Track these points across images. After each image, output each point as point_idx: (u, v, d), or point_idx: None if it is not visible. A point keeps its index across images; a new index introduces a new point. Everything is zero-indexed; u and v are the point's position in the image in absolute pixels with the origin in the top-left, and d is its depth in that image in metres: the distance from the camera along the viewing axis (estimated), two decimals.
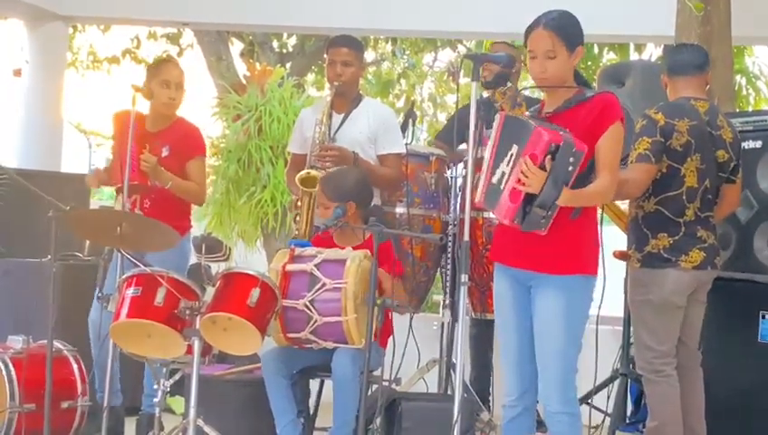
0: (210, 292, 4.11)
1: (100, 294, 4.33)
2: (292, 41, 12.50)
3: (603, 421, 5.17)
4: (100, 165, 5.34)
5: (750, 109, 9.65)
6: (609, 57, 10.14)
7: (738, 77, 9.63)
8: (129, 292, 4.08)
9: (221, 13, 8.24)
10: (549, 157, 3.47)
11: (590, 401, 4.84)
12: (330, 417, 4.37)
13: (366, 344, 3.98)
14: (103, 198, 10.22)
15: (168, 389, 4.21)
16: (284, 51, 12.44)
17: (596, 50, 10.11)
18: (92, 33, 12.55)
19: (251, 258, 7.47)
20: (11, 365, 4.74)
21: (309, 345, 4.31)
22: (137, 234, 4.20)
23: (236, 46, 12.37)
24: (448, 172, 5.55)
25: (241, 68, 11.24)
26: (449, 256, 5.30)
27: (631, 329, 4.84)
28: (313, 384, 4.78)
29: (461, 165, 5.44)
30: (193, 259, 5.68)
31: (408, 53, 13.18)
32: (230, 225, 7.45)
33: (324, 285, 4.19)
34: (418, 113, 12.31)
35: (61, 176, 7.23)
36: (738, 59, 9.40)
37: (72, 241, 5.56)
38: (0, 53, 10.97)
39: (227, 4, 8.09)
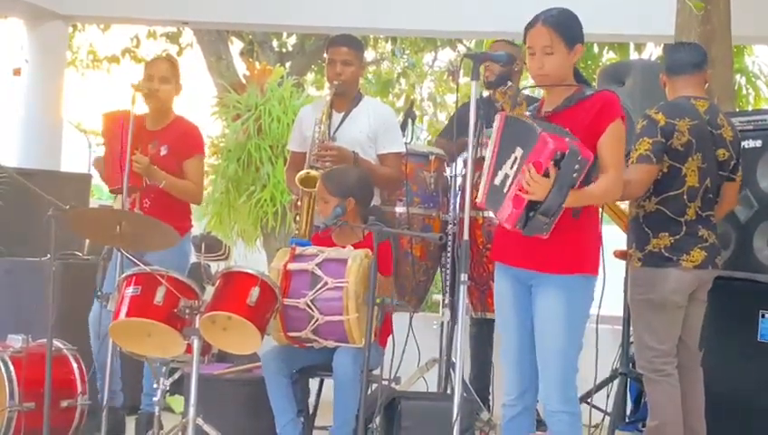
0: (210, 291, 4.11)
1: (99, 293, 4.33)
2: (292, 40, 12.49)
3: (603, 420, 5.17)
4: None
5: (750, 108, 9.64)
6: (609, 57, 10.14)
7: (738, 76, 9.63)
8: (129, 291, 4.08)
9: (221, 12, 8.24)
10: (553, 164, 3.45)
11: (589, 400, 4.84)
12: (329, 416, 4.38)
13: (366, 344, 3.98)
14: (103, 197, 10.23)
15: (168, 388, 4.21)
16: (284, 50, 12.44)
17: (596, 49, 10.11)
18: (92, 32, 12.55)
19: (251, 257, 7.48)
20: (10, 364, 4.73)
21: (309, 344, 4.31)
22: (136, 233, 4.21)
23: (236, 45, 12.37)
24: (448, 171, 5.55)
25: (241, 67, 11.23)
26: (449, 255, 5.30)
27: (631, 328, 4.84)
28: (313, 383, 4.78)
29: (460, 164, 5.44)
30: (193, 258, 5.70)
31: (407, 52, 13.18)
32: (230, 224, 7.45)
33: (326, 284, 4.18)
34: (418, 113, 12.34)
35: (60, 175, 7.24)
36: (738, 58, 9.40)
37: (71, 240, 5.57)
38: (0, 52, 10.97)
39: (227, 4, 8.09)
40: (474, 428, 4.69)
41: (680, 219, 4.35)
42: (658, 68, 4.89)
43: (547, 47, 3.66)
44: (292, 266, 4.27)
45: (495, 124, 3.71)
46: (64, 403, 4.83)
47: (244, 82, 7.93)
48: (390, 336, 4.59)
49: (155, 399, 4.18)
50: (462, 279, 3.69)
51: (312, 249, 4.35)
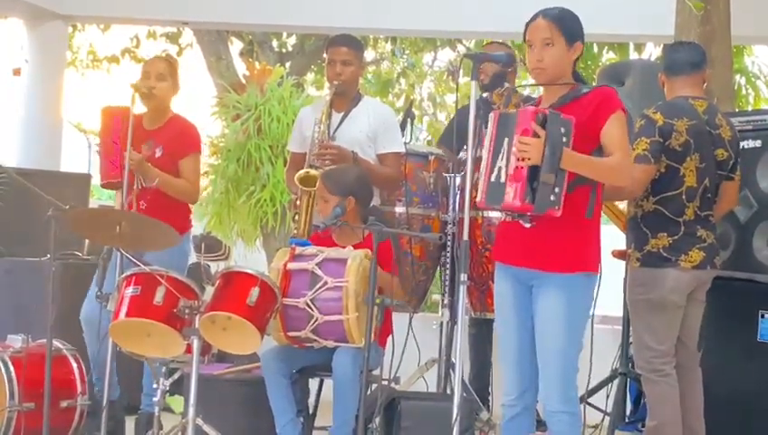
0: (209, 291, 4.11)
1: (99, 293, 4.33)
2: (292, 40, 12.50)
3: (603, 421, 5.17)
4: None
5: (749, 108, 9.65)
6: (609, 57, 10.14)
7: (738, 77, 9.64)
8: (129, 291, 4.08)
9: (221, 12, 8.24)
10: (540, 127, 3.48)
11: (588, 400, 4.83)
12: (329, 416, 4.38)
13: (365, 344, 3.98)
14: (102, 197, 10.24)
15: (168, 388, 4.21)
16: (284, 50, 12.44)
17: (596, 49, 10.11)
18: (92, 32, 12.55)
19: (250, 258, 7.48)
20: (10, 364, 4.73)
21: (309, 344, 4.31)
22: (136, 233, 4.21)
23: (236, 46, 12.37)
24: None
25: (240, 67, 11.24)
26: (448, 255, 5.30)
27: (630, 328, 4.84)
28: (313, 383, 4.78)
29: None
30: (193, 258, 5.70)
31: (407, 52, 13.18)
32: (229, 224, 7.45)
33: (325, 283, 4.19)
34: (417, 113, 12.34)
35: (60, 175, 7.24)
36: (738, 59, 9.40)
37: (71, 240, 5.57)
38: (0, 52, 10.97)
39: (227, 4, 8.09)
40: (473, 428, 4.69)
41: (679, 219, 4.35)
42: (658, 68, 4.89)
43: (547, 39, 3.67)
44: (291, 266, 4.27)
45: (489, 124, 3.72)
46: (64, 403, 4.83)
47: (243, 82, 7.93)
48: (390, 336, 4.60)
49: (155, 399, 4.18)
50: (462, 279, 3.69)
51: (311, 249, 4.35)
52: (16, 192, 5.83)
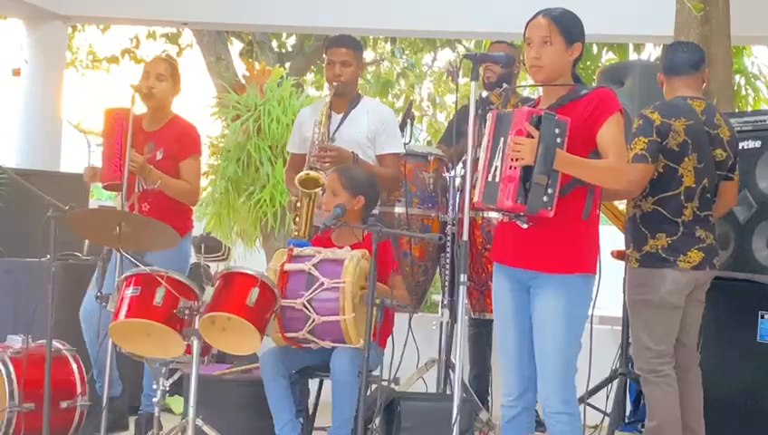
0: (209, 292, 4.11)
1: (98, 294, 4.33)
2: (292, 41, 12.50)
3: (602, 421, 5.17)
4: (97, 163, 5.35)
5: (749, 109, 9.65)
6: (609, 57, 10.14)
7: (737, 77, 9.64)
8: (129, 291, 4.08)
9: (220, 12, 8.25)
10: (534, 127, 3.48)
11: (588, 400, 4.83)
12: (328, 417, 4.38)
13: (365, 344, 3.98)
14: (102, 197, 10.23)
15: (168, 388, 4.21)
16: (283, 50, 12.44)
17: (595, 50, 10.11)
18: (92, 32, 12.55)
19: (250, 258, 7.47)
20: (10, 365, 4.74)
21: (307, 345, 4.31)
22: (136, 234, 4.21)
23: (236, 46, 12.37)
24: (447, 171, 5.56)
25: (240, 68, 11.23)
26: (448, 255, 5.30)
27: (630, 329, 4.84)
28: (312, 384, 4.78)
29: (459, 164, 5.44)
30: (193, 259, 5.70)
31: (407, 52, 13.18)
32: (229, 225, 7.44)
33: (322, 284, 4.19)
34: (417, 113, 12.34)
35: (60, 176, 7.23)
36: (737, 59, 9.40)
37: (71, 241, 5.57)
38: (0, 52, 10.97)
39: (227, 4, 8.09)
40: (473, 428, 4.69)
41: (677, 220, 4.35)
42: (657, 69, 4.89)
43: (545, 37, 3.68)
44: (288, 267, 4.27)
45: (487, 124, 3.72)
46: (64, 404, 4.83)
47: (243, 82, 7.92)
48: (390, 337, 4.60)
49: (155, 399, 4.19)
50: (461, 280, 3.69)
51: (309, 250, 4.35)
52: (16, 192, 5.84)
